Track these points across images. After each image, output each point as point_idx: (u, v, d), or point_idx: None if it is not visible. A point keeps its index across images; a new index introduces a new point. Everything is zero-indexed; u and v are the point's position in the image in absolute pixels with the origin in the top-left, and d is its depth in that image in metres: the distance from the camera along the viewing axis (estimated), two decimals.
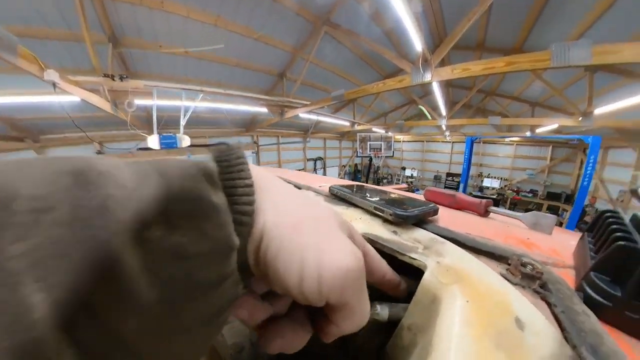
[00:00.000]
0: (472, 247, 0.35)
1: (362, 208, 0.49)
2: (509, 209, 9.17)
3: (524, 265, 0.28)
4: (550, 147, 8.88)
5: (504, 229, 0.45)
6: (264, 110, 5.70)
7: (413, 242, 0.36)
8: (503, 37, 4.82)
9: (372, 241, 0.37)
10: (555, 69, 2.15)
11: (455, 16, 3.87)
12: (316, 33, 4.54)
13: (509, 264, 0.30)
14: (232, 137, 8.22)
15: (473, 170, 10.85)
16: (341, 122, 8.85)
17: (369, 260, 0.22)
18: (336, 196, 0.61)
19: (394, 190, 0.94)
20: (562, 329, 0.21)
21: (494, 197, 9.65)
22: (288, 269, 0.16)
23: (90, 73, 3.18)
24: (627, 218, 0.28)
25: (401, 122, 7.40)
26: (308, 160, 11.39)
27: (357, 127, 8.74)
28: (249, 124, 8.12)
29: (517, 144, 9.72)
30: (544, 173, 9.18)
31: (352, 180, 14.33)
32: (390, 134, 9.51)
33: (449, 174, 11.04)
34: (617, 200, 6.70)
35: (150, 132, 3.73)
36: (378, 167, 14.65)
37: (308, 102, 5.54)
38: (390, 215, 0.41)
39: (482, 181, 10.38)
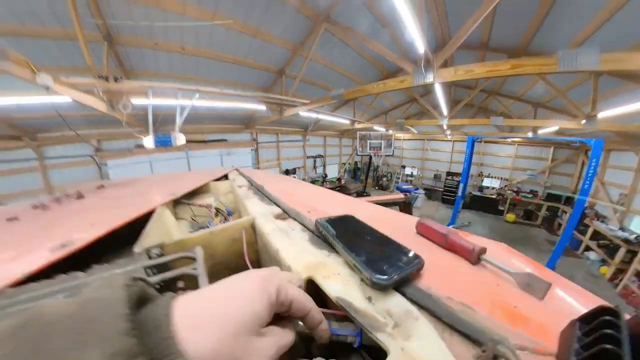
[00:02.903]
0: (448, 323, 0.33)
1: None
2: (508, 209, 9.16)
3: (495, 358, 0.27)
4: (552, 148, 8.82)
5: (493, 287, 0.42)
6: (263, 107, 5.62)
7: (384, 316, 0.34)
8: (508, 38, 4.72)
9: (344, 308, 0.36)
10: (561, 73, 2.11)
11: (460, 16, 3.78)
12: (316, 30, 4.44)
13: (483, 351, 0.28)
14: (231, 133, 8.17)
15: (473, 170, 10.80)
16: (343, 120, 8.77)
17: (295, 305, 0.29)
18: (321, 234, 0.58)
19: (387, 212, 0.90)
20: None
21: (494, 197, 9.66)
22: None
23: (85, 71, 3.13)
24: (624, 318, 0.25)
25: (401, 121, 7.32)
26: (308, 157, 11.35)
27: (357, 125, 8.67)
28: (248, 121, 8.05)
29: (518, 144, 9.66)
30: (545, 174, 9.14)
31: (352, 178, 14.34)
32: (390, 132, 9.44)
33: (449, 173, 10.99)
34: (617, 203, 6.67)
35: (148, 130, 3.70)
36: (378, 165, 14.61)
37: (307, 101, 5.46)
38: (368, 279, 0.38)
39: (482, 181, 10.35)
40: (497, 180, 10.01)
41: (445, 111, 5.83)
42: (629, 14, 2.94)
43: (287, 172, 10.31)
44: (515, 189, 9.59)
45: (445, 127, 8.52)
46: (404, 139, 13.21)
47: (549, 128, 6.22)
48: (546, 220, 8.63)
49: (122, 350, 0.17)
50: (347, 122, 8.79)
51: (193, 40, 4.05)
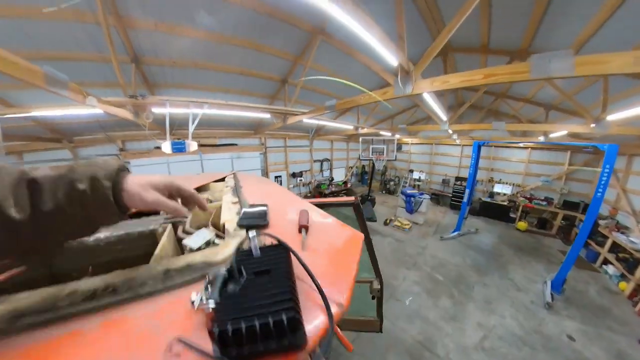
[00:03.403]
0: None
1: None
2: (521, 217, 8.78)
3: None
4: (569, 153, 8.37)
5: None
6: (268, 115, 6.07)
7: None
8: (508, 39, 4.65)
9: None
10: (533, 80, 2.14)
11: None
12: (312, 42, 4.76)
13: None
14: (241, 138, 8.68)
15: (483, 175, 10.49)
16: (347, 126, 8.99)
17: (182, 193, 0.57)
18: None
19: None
20: None
21: (505, 203, 9.31)
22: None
23: (115, 85, 3.94)
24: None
25: (403, 126, 7.38)
26: (314, 161, 11.65)
27: (361, 131, 8.85)
28: (256, 127, 8.52)
29: (531, 149, 9.25)
30: (561, 180, 8.67)
31: (359, 182, 14.40)
32: (397, 137, 9.49)
33: (457, 178, 10.74)
34: None
35: (165, 132, 4.36)
36: (385, 169, 14.56)
37: (306, 111, 5.81)
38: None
39: (492, 187, 10.01)
40: (508, 186, 9.64)
41: (444, 117, 5.85)
42: (630, 11, 2.88)
43: (294, 175, 10.71)
44: (528, 196, 9.18)
45: (450, 132, 8.44)
46: (411, 143, 13.10)
47: (557, 133, 6.00)
48: (562, 229, 8.17)
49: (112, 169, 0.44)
50: (351, 127, 9.00)
51: (204, 57, 4.63)
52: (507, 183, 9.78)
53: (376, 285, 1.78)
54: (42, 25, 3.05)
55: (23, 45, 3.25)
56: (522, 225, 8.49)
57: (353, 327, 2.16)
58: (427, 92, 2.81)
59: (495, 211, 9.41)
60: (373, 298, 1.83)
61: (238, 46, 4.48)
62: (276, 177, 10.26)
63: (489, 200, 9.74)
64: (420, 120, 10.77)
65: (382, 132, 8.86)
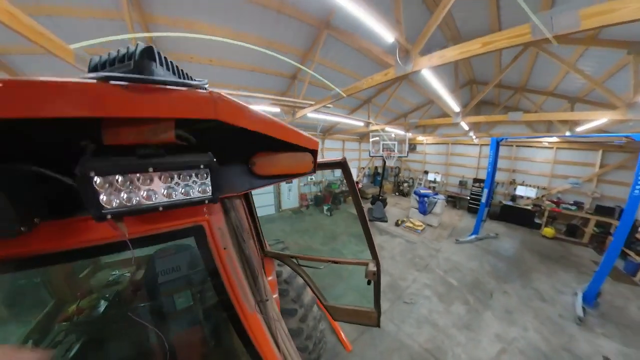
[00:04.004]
0: None
1: None
2: (547, 222, 8.07)
3: None
4: (600, 152, 7.59)
5: None
6: (278, 110, 6.07)
7: None
8: (521, 23, 4.37)
9: None
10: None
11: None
12: (319, 36, 4.79)
13: None
14: None
15: (504, 177, 9.82)
16: (357, 122, 8.80)
17: None
18: None
19: None
20: None
21: (529, 207, 8.61)
22: None
23: None
24: None
25: (414, 120, 7.07)
26: None
27: (371, 128, 8.61)
28: None
29: (557, 148, 8.49)
30: (592, 182, 7.88)
31: (372, 182, 14.05)
32: (404, 133, 9.13)
33: (476, 180, 10.12)
34: None
35: None
36: (399, 170, 14.11)
37: (313, 102, 5.71)
38: None
39: (514, 189, 9.32)
40: (532, 189, 8.91)
41: (455, 108, 5.51)
42: None
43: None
44: (555, 200, 8.42)
45: (466, 127, 7.97)
46: (426, 143, 12.60)
47: (585, 126, 5.42)
48: (595, 238, 7.38)
49: None
50: (362, 124, 8.79)
51: (219, 54, 4.78)
52: (531, 185, 9.05)
53: (372, 268, 1.56)
54: (72, 20, 3.15)
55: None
56: (548, 231, 7.77)
57: (347, 317, 1.96)
58: (427, 68, 2.66)
59: (517, 216, 8.71)
60: (369, 283, 1.62)
61: (250, 43, 4.55)
62: None
63: (510, 204, 9.06)
64: (435, 118, 10.34)
65: (389, 129, 8.57)
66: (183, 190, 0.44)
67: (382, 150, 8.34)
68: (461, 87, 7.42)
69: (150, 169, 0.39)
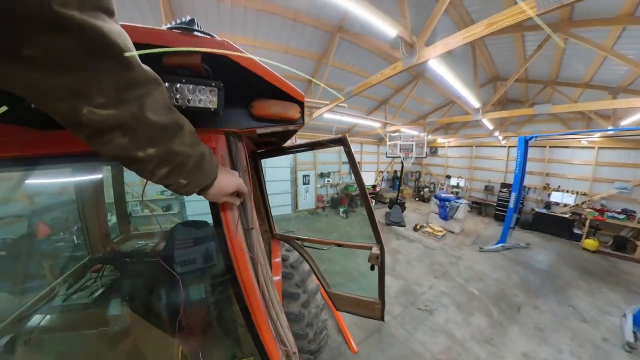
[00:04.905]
0: None
1: None
2: (589, 233, 7.19)
3: None
4: None
5: None
6: None
7: None
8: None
9: None
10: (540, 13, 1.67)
11: None
12: (333, 40, 4.99)
13: None
14: None
15: (537, 181, 8.99)
16: (374, 123, 8.69)
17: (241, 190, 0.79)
18: None
19: None
20: None
21: (567, 216, 7.76)
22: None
23: None
24: None
25: (432, 120, 6.79)
26: (343, 163, 11.51)
27: (388, 129, 8.43)
28: None
29: (599, 147, 7.55)
30: None
31: (391, 187, 13.63)
32: (430, 136, 8.80)
33: (503, 185, 9.36)
34: None
35: None
36: (419, 174, 13.56)
37: (327, 102, 5.76)
38: None
39: (549, 195, 8.47)
40: (570, 195, 8.02)
41: (474, 104, 5.21)
42: None
43: (321, 176, 10.88)
44: (598, 207, 7.49)
45: (490, 126, 7.46)
46: (448, 146, 12.00)
47: (632, 117, 4.74)
48: None
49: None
50: (378, 124, 8.64)
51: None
52: (568, 191, 8.16)
53: (375, 251, 1.48)
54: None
55: None
56: (591, 243, 6.90)
57: (350, 307, 1.91)
58: (435, 58, 2.56)
59: (553, 225, 7.87)
60: (372, 268, 1.54)
61: (271, 50, 4.97)
62: (304, 175, 10.46)
63: (544, 211, 8.24)
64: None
65: (406, 129, 8.32)
66: (199, 99, 0.64)
67: (400, 151, 8.08)
68: (482, 85, 7.03)
69: (183, 80, 0.61)
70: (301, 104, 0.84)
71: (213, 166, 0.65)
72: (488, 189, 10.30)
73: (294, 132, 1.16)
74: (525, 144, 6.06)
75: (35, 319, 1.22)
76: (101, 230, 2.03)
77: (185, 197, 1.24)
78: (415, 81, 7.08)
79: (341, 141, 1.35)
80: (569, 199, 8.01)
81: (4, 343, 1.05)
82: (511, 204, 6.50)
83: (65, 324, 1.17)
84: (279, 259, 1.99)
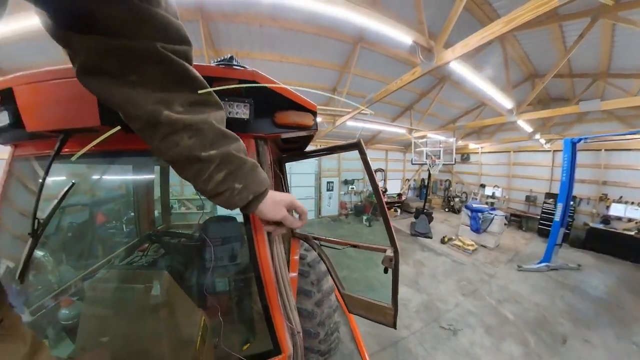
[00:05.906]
0: None
1: None
2: None
3: None
4: None
5: None
6: (320, 120, 6.51)
7: None
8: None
9: None
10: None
11: None
12: (354, 50, 5.17)
13: None
14: None
15: (590, 191, 7.83)
16: (398, 130, 8.47)
17: (296, 208, 0.79)
18: None
19: None
20: None
21: (632, 233, 6.61)
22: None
23: None
24: None
25: (461, 124, 6.38)
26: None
27: (414, 135, 8.14)
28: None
29: None
30: None
31: (417, 196, 12.96)
32: (460, 142, 8.27)
33: (548, 195, 8.30)
34: None
35: None
36: (450, 183, 12.71)
37: (350, 110, 5.83)
38: None
39: (607, 208, 7.30)
40: (636, 207, 6.83)
41: (507, 104, 4.80)
42: None
43: (345, 183, 10.90)
44: None
45: (528, 128, 6.74)
46: (481, 152, 11.08)
47: None
48: None
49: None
50: (403, 131, 8.39)
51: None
52: (633, 203, 6.95)
53: (389, 253, 1.46)
54: None
55: None
56: None
57: (362, 310, 1.90)
58: (453, 60, 2.48)
59: (612, 243, 6.73)
60: (385, 271, 1.51)
61: (296, 64, 5.32)
62: (328, 182, 10.54)
63: (601, 227, 7.12)
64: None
65: (433, 135, 7.92)
66: (236, 112, 0.86)
67: (426, 158, 7.71)
68: (518, 84, 6.44)
69: (226, 99, 0.81)
70: (314, 113, 1.04)
71: (265, 177, 0.68)
72: (530, 199, 9.23)
73: (311, 137, 1.39)
74: (573, 147, 5.36)
75: (96, 277, 1.58)
76: (149, 219, 2.49)
77: None
78: (440, 84, 6.76)
79: (356, 146, 1.40)
80: (635, 213, 6.81)
81: (72, 292, 1.46)
82: (557, 217, 5.75)
83: (120, 279, 1.45)
84: (297, 257, 2.09)
